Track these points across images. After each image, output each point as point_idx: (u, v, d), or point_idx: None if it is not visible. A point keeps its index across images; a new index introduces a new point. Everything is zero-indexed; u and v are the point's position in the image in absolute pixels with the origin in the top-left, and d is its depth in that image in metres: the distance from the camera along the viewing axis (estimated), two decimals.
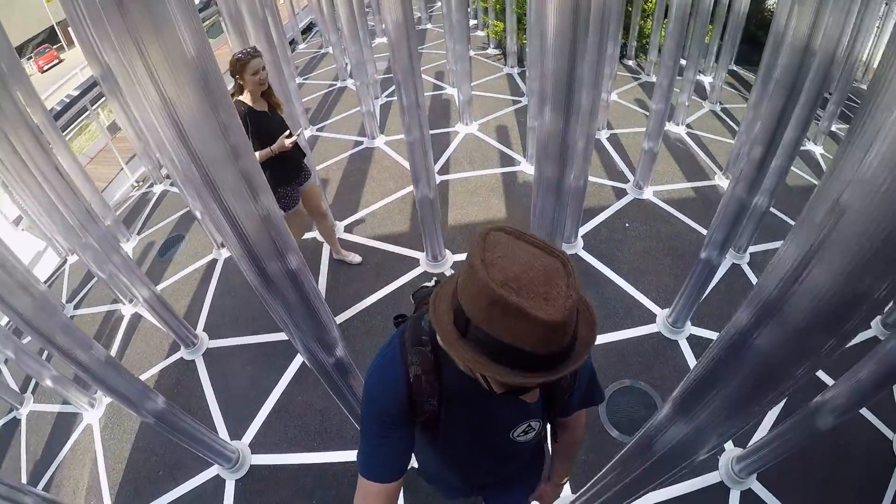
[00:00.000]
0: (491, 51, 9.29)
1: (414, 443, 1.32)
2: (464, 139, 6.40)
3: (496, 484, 1.73)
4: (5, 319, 5.16)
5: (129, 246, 5.79)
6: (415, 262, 4.62)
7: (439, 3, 6.85)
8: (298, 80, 8.71)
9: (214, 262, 5.12)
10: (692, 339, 3.86)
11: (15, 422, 4.37)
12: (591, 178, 5.33)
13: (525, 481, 1.85)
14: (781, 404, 3.52)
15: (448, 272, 4.47)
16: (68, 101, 7.50)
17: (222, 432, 3.60)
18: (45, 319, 2.49)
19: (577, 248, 4.61)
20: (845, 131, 0.72)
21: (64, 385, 3.89)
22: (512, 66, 8.36)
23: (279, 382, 3.83)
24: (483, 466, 1.53)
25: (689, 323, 3.90)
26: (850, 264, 0.75)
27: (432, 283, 1.52)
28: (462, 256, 4.59)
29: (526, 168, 5.69)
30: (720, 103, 7.66)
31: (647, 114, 5.35)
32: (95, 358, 2.63)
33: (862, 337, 3.95)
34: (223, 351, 4.21)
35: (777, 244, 4.72)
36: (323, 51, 10.28)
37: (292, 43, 11.29)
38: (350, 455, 3.32)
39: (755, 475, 3.13)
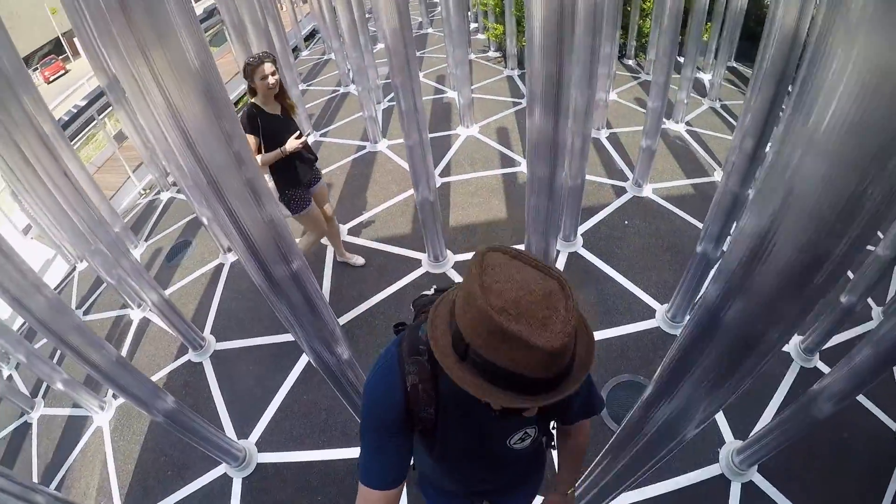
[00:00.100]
0: (491, 54, 9.36)
1: (411, 449, 1.32)
2: (465, 141, 6.48)
3: (495, 491, 1.73)
4: (16, 325, 5.30)
5: (138, 252, 5.88)
6: (417, 263, 4.68)
7: (440, 8, 6.96)
8: (302, 86, 8.82)
9: (221, 266, 5.21)
10: None
11: (26, 426, 4.46)
12: (590, 177, 5.39)
13: (524, 488, 1.84)
14: (783, 395, 3.55)
15: (449, 272, 4.53)
16: (76, 111, 7.63)
17: (229, 431, 3.67)
18: (58, 320, 2.58)
19: (576, 245, 4.65)
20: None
21: (74, 388, 3.97)
22: (512, 69, 8.43)
23: (285, 382, 3.89)
24: (481, 474, 1.53)
25: (687, 317, 3.88)
26: (808, 227, 0.78)
27: (431, 290, 1.52)
28: (463, 256, 4.67)
29: (526, 169, 5.72)
30: (719, 100, 7.68)
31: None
32: (108, 358, 2.73)
33: (865, 328, 3.98)
34: (230, 353, 4.29)
35: None
36: (326, 57, 10.38)
37: (295, 50, 11.39)
38: (354, 452, 3.37)
39: (756, 467, 3.12)
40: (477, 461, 1.45)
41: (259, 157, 3.43)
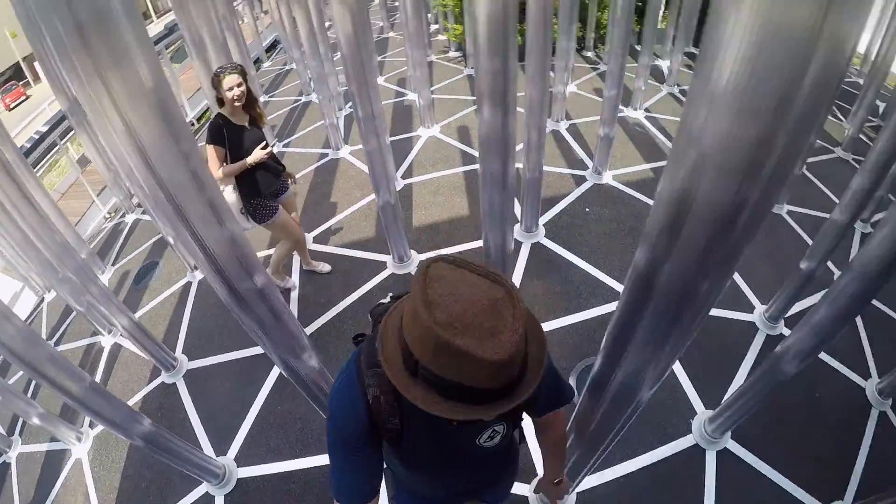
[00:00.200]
0: (452, 54, 9.40)
1: (381, 461, 1.33)
2: (426, 142, 6.53)
3: (473, 491, 1.72)
4: None
5: (105, 277, 5.83)
6: (382, 266, 4.73)
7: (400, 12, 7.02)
8: (264, 97, 8.82)
9: (189, 284, 5.20)
10: None
11: (5, 465, 4.39)
12: (550, 168, 5.48)
13: (501, 483, 1.84)
14: (750, 363, 3.66)
15: (414, 272, 4.55)
16: (37, 136, 7.53)
17: (207, 449, 3.67)
18: (32, 350, 2.60)
19: (539, 236, 4.73)
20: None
21: (51, 422, 3.93)
22: (472, 68, 8.45)
23: (259, 395, 3.91)
24: (455, 476, 1.53)
25: None
26: (721, 182, 0.83)
27: (387, 299, 1.48)
28: (427, 255, 4.73)
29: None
30: (678, 86, 7.80)
31: None
32: (83, 385, 2.74)
33: None
34: (203, 371, 4.29)
35: None
36: (287, 67, 10.36)
37: (257, 62, 11.33)
38: None
39: (729, 434, 3.20)
40: (449, 464, 1.44)
41: (222, 169, 3.44)
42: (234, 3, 8.81)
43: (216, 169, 3.43)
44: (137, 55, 1.24)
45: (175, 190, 1.50)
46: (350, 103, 7.75)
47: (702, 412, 3.36)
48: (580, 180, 5.50)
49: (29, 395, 4.52)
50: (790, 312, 3.85)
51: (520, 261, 4.55)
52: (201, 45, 5.16)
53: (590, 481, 3.07)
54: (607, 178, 5.46)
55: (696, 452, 3.20)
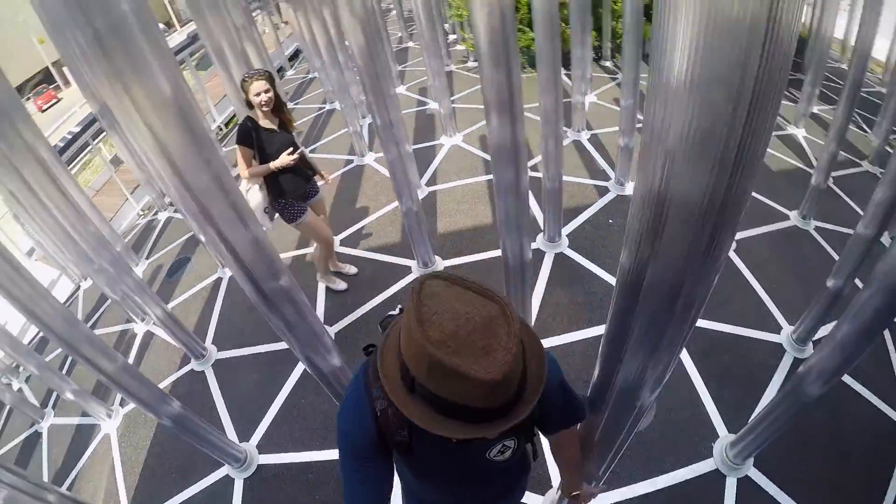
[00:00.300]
0: (471, 63, 9.44)
1: (392, 471, 1.32)
2: (449, 151, 6.62)
3: None
4: (27, 339, 5.46)
5: (139, 269, 6.04)
6: (407, 270, 4.81)
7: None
8: (289, 104, 8.98)
9: (220, 280, 5.36)
10: None
11: (36, 435, 4.63)
12: (573, 179, 5.53)
13: (512, 497, 1.79)
14: (776, 387, 3.51)
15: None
16: (70, 136, 7.80)
17: (231, 435, 3.80)
18: (70, 330, 2.78)
19: (562, 246, 4.77)
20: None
21: (83, 398, 4.14)
22: None
23: (284, 387, 4.02)
24: (466, 488, 1.50)
25: None
26: (690, 175, 0.86)
27: (397, 310, 1.43)
28: (451, 262, 4.82)
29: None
30: None
31: None
32: (117, 365, 2.91)
33: None
34: (231, 361, 4.43)
35: (762, 229, 4.87)
36: (310, 76, 10.55)
37: (280, 70, 11.58)
38: None
39: (752, 461, 3.08)
40: (459, 477, 1.42)
41: (249, 170, 3.56)
42: (253, 14, 9.03)
43: (244, 169, 3.57)
44: (155, 64, 1.33)
45: (200, 193, 1.61)
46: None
47: (724, 436, 3.24)
48: (603, 191, 5.53)
49: (64, 371, 4.74)
50: (818, 335, 3.70)
51: (543, 270, 4.57)
52: (221, 54, 5.36)
53: (609, 497, 3.04)
54: (630, 188, 5.46)
55: (716, 478, 3.08)
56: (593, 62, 8.56)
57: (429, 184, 6.03)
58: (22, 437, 4.73)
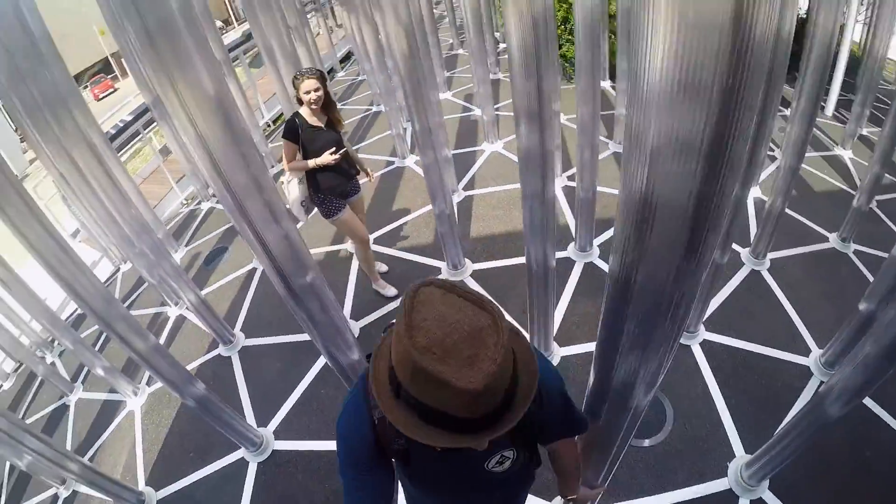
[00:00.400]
0: None
1: (392, 480, 1.32)
2: (489, 157, 6.65)
3: None
4: (65, 315, 5.71)
5: (178, 256, 6.24)
6: (437, 271, 4.86)
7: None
8: (338, 105, 9.14)
9: (254, 271, 5.49)
10: (705, 345, 3.84)
11: (64, 407, 4.85)
12: (608, 190, 5.46)
13: None
14: (796, 410, 3.41)
15: (467, 280, 4.69)
16: (122, 125, 8.12)
17: (250, 419, 3.89)
18: (107, 308, 2.91)
19: (592, 256, 4.73)
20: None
21: (112, 375, 4.30)
22: None
23: (305, 378, 4.10)
24: (465, 498, 1.51)
25: (702, 327, 3.89)
26: (673, 178, 0.87)
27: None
28: (481, 265, 4.84)
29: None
30: None
31: None
32: (148, 345, 3.05)
33: None
34: (257, 349, 4.55)
35: (799, 249, 4.74)
36: (360, 78, 10.72)
37: (331, 71, 11.81)
38: None
39: (767, 483, 3.00)
40: (458, 487, 1.43)
41: (290, 164, 3.67)
42: (308, 16, 9.19)
43: (286, 162, 3.68)
44: (199, 63, 1.41)
45: (237, 189, 1.70)
46: None
47: (740, 456, 3.16)
48: None
49: (96, 349, 4.95)
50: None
51: (571, 279, 4.54)
52: (271, 53, 5.50)
53: None
54: None
55: (729, 498, 3.01)
56: None
57: (466, 188, 6.08)
58: (50, 408, 4.95)
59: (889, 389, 2.24)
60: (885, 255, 4.57)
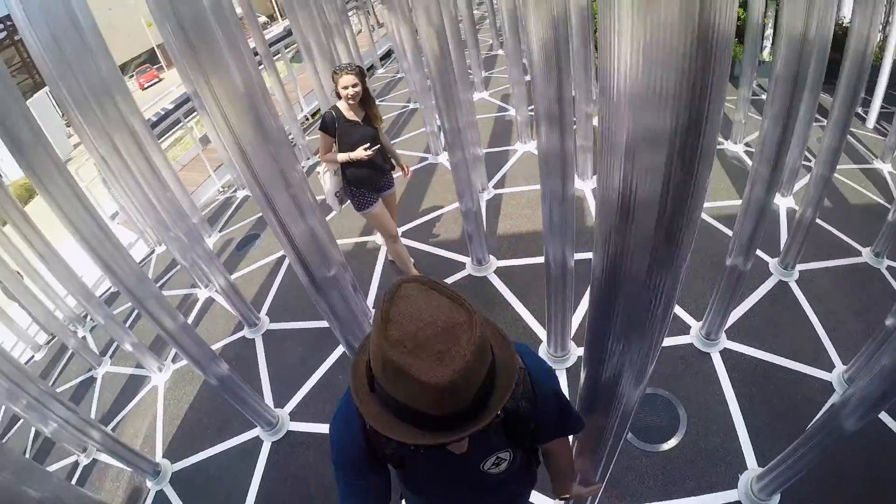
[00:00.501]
0: None
1: (387, 485, 1.31)
2: (521, 157, 6.67)
3: None
4: (99, 292, 5.95)
5: (211, 241, 6.44)
6: (461, 266, 4.91)
7: None
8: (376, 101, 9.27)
9: (283, 258, 5.61)
10: (725, 354, 3.77)
11: (91, 379, 5.08)
12: None
13: None
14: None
15: (490, 276, 4.73)
16: (163, 112, 8.40)
17: (268, 400, 4.01)
18: (140, 286, 3.05)
19: None
20: None
21: (140, 350, 4.48)
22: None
23: (324, 363, 4.19)
24: (462, 500, 1.50)
25: (723, 336, 3.83)
26: (646, 166, 0.89)
27: None
28: (505, 262, 4.86)
29: (578, 184, 5.84)
30: None
31: None
32: (177, 323, 3.17)
33: None
34: (280, 333, 4.67)
35: (830, 262, 4.62)
36: (399, 75, 10.84)
37: (371, 68, 11.98)
38: None
39: (778, 497, 2.91)
40: (454, 489, 1.41)
41: (324, 156, 3.77)
42: (349, 13, 9.29)
43: (322, 154, 3.78)
44: (231, 62, 1.48)
45: (265, 183, 1.79)
46: None
47: (752, 468, 3.09)
48: None
49: (127, 325, 5.12)
50: None
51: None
52: (309, 50, 5.59)
53: None
54: None
55: None
56: None
57: (497, 186, 6.12)
58: (78, 379, 5.19)
59: None
60: None
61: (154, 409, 4.29)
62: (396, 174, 4.23)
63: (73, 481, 3.97)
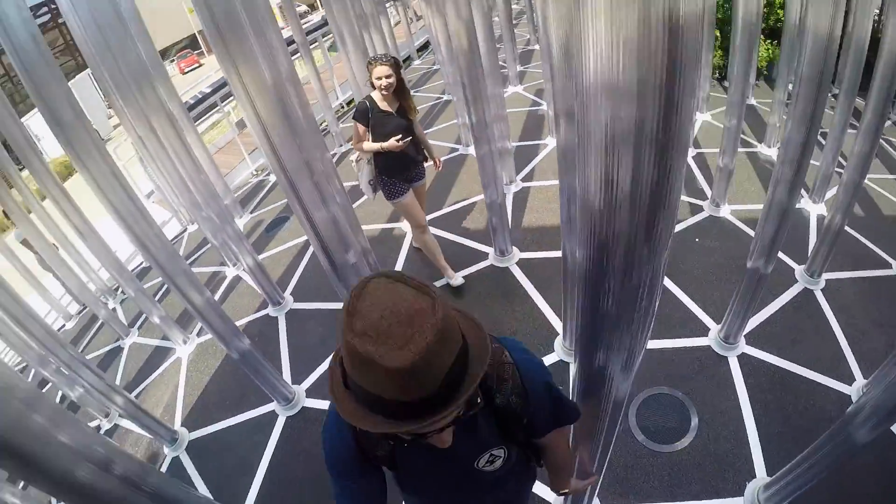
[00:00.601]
0: None
1: (382, 487, 1.32)
2: (551, 151, 6.63)
3: None
4: (131, 267, 6.19)
5: (242, 222, 6.61)
6: (484, 256, 4.95)
7: None
8: (411, 92, 9.32)
9: (310, 242, 5.70)
10: (743, 358, 3.71)
11: (118, 349, 5.32)
12: None
13: None
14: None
15: (512, 267, 4.76)
16: (200, 96, 8.65)
17: (286, 376, 4.13)
18: (171, 262, 3.19)
19: None
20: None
21: (167, 323, 4.66)
22: None
23: None
24: (458, 499, 1.49)
25: (742, 340, 3.78)
26: (621, 157, 0.91)
27: None
28: (528, 255, 4.88)
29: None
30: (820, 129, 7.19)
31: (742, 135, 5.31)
32: (203, 298, 3.30)
33: None
34: (303, 312, 4.79)
35: (857, 273, 4.51)
36: (435, 67, 10.88)
37: (407, 59, 12.06)
38: None
39: None
40: (449, 488, 1.40)
41: (357, 145, 3.83)
42: (387, 5, 9.34)
43: (354, 142, 3.85)
44: (259, 54, 1.55)
45: (290, 171, 1.88)
46: None
47: (761, 477, 3.03)
48: (696, 209, 5.36)
49: (156, 299, 5.30)
50: None
51: None
52: (343, 40, 5.66)
53: None
54: (725, 211, 5.26)
55: None
56: (716, 81, 8.26)
57: (525, 179, 6.12)
58: (105, 349, 5.45)
59: None
60: None
61: (176, 379, 4.46)
62: (427, 164, 4.26)
63: None
